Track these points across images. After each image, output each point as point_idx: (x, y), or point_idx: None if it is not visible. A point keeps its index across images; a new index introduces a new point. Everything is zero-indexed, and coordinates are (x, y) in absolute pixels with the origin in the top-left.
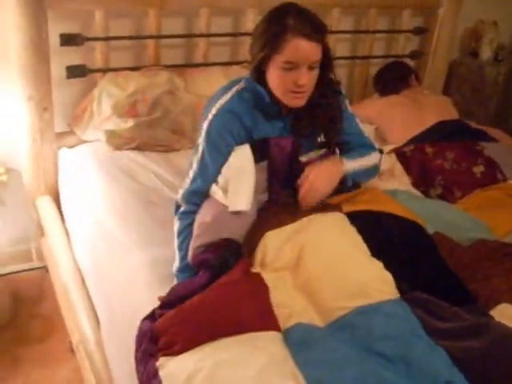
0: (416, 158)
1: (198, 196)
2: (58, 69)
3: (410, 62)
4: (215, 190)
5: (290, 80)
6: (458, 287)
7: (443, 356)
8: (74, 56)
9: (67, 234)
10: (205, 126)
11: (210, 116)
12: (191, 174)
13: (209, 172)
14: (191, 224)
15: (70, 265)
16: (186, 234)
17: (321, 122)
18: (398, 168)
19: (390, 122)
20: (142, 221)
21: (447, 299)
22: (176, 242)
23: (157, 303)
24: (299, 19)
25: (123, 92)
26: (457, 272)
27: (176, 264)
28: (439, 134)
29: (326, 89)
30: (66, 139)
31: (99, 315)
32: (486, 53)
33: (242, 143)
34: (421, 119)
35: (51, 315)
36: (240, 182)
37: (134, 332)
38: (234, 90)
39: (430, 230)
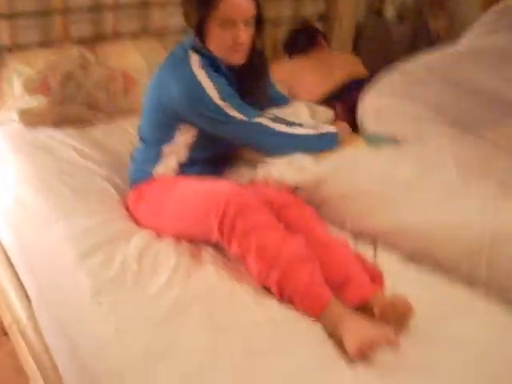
0: None
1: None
2: None
3: (318, 25)
4: None
5: (230, 37)
6: None
7: None
8: None
9: None
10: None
11: (195, 70)
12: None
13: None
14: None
15: None
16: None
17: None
18: None
19: (300, 83)
20: (61, 193)
21: None
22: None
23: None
24: None
25: (33, 69)
26: None
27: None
28: (348, 91)
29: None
30: None
31: (29, 292)
32: (390, 12)
33: None
34: (331, 79)
35: None
36: None
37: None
38: (191, 55)
39: None
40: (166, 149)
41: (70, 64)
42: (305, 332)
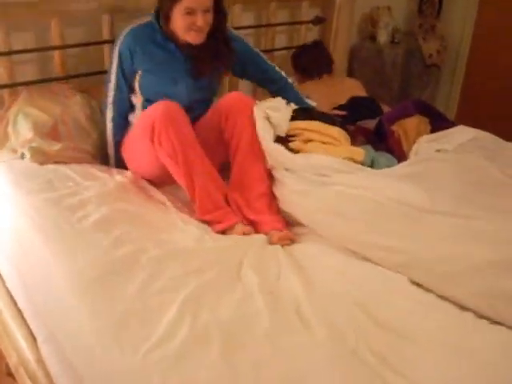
0: None
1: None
2: None
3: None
4: None
5: (191, 22)
6: None
7: None
8: None
9: None
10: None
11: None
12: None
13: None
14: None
15: None
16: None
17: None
18: None
19: None
20: (61, 229)
21: None
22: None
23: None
24: None
25: (42, 113)
26: None
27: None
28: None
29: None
30: None
31: (35, 333)
32: (383, 36)
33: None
34: (337, 102)
35: None
36: None
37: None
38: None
39: None
40: (133, 99)
41: (78, 113)
42: None
